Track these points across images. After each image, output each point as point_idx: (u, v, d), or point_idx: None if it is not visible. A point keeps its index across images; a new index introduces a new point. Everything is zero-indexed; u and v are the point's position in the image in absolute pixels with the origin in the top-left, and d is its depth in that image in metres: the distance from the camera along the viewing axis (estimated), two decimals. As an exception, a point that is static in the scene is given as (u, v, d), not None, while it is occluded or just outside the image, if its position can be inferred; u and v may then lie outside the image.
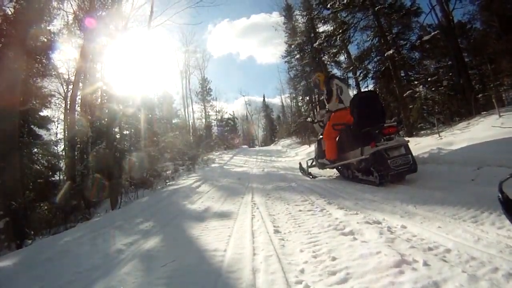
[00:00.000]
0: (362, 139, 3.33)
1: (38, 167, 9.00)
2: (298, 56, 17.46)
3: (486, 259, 1.13)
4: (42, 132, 9.33)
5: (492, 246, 1.25)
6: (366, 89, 10.09)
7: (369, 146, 3.18)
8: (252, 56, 60.72)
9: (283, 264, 1.30)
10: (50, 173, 9.41)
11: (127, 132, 10.56)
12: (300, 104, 20.81)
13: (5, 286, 1.45)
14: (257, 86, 62.26)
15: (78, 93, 9.83)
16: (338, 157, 4.01)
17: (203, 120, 27.19)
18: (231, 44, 57.75)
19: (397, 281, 1.02)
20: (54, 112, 12.34)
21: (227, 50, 65.64)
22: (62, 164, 10.36)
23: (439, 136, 4.67)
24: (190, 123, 24.96)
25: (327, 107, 4.30)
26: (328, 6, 9.04)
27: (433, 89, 7.99)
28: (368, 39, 9.63)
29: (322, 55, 14.46)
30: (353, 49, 16.75)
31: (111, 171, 6.78)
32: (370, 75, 10.44)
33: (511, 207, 1.30)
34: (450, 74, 8.72)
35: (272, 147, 24.30)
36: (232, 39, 53.43)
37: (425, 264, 1.11)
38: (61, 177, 10.46)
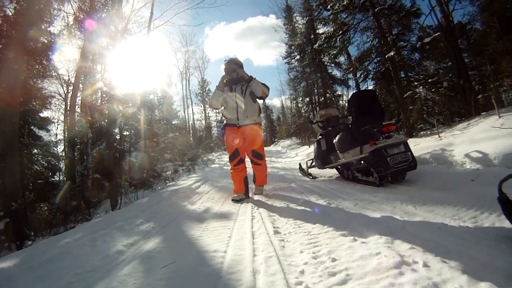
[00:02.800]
0: (361, 137, 3.33)
1: (38, 168, 9.03)
2: (298, 57, 17.51)
3: (487, 260, 1.13)
4: (42, 133, 9.37)
5: (492, 247, 1.25)
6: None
7: (368, 144, 3.18)
8: (249, 59, 60.85)
9: (283, 265, 1.30)
10: (50, 173, 9.43)
11: (127, 133, 10.57)
12: (300, 105, 20.86)
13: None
14: (255, 88, 62.19)
15: (78, 94, 9.86)
16: (336, 157, 4.05)
17: (203, 121, 27.26)
18: (228, 47, 57.84)
19: (396, 282, 1.02)
20: (54, 113, 12.41)
21: (224, 53, 65.79)
22: (62, 164, 10.39)
23: (439, 136, 4.67)
24: (190, 124, 25.05)
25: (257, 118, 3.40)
26: (328, 7, 9.08)
27: (433, 90, 8.01)
28: (368, 40, 9.67)
29: (322, 56, 14.51)
30: (353, 50, 16.84)
31: (111, 171, 6.79)
32: (370, 76, 10.50)
33: (511, 207, 1.31)
34: (450, 75, 8.73)
35: (272, 147, 24.30)
36: (229, 42, 53.62)
37: (425, 265, 1.11)
38: (61, 177, 10.48)
